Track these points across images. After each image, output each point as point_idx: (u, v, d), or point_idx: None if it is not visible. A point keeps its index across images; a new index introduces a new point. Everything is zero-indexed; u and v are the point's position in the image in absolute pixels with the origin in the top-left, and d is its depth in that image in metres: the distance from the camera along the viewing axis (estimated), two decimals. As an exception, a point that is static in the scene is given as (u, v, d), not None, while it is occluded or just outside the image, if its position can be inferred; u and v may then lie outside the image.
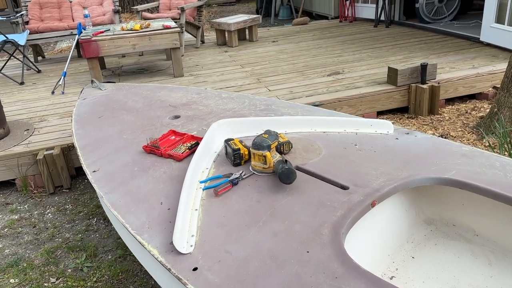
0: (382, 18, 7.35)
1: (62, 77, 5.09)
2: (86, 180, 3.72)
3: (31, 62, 6.14)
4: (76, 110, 3.01)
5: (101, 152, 2.37)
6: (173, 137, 2.40)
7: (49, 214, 3.27)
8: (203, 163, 2.06)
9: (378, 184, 1.76)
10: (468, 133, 3.85)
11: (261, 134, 1.98)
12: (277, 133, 1.99)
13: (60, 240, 2.96)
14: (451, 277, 1.76)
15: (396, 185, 1.74)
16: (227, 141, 2.08)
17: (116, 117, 2.80)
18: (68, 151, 3.61)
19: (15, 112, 4.48)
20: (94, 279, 2.56)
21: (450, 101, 4.59)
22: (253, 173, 1.95)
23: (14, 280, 2.61)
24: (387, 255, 1.89)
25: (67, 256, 2.78)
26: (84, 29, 5.40)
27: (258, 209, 1.71)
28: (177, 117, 2.69)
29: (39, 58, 6.85)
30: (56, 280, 2.59)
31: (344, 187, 1.77)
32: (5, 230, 3.13)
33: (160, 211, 1.80)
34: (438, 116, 4.31)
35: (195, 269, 1.48)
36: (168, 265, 1.51)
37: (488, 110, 4.29)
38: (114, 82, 3.62)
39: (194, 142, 2.26)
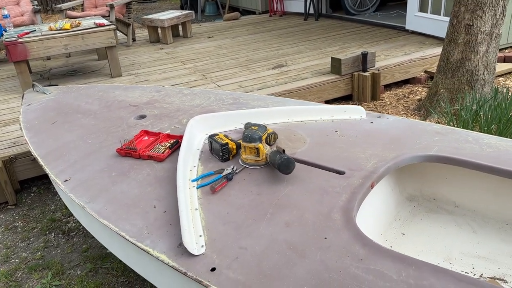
0: (311, 11, 7.58)
1: (-15, 83, 4.60)
2: (33, 194, 3.41)
3: None
4: (23, 117, 2.74)
5: (68, 160, 2.19)
6: (147, 137, 2.27)
7: (-3, 235, 2.96)
8: (190, 161, 1.98)
9: (371, 166, 1.81)
10: (411, 115, 4.11)
11: (250, 126, 1.95)
12: (265, 125, 1.97)
13: (17, 260, 2.68)
14: (443, 248, 1.87)
15: (389, 165, 1.81)
16: (211, 136, 2.02)
17: (72, 121, 2.60)
18: (11, 163, 3.28)
19: None
20: (67, 297, 2.36)
21: (387, 86, 4.86)
22: (245, 166, 1.91)
23: (-29, 311, 2.33)
24: (380, 234, 1.96)
25: (29, 277, 2.53)
26: (5, 31, 4.93)
27: (262, 201, 1.68)
28: (142, 116, 2.56)
29: None
30: (22, 304, 2.35)
31: (340, 172, 1.80)
32: None
33: (156, 215, 1.70)
34: (380, 101, 4.55)
35: (213, 269, 1.42)
36: (183, 269, 1.44)
37: (423, 93, 4.61)
38: (57, 85, 3.35)
39: (173, 141, 2.16)
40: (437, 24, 5.40)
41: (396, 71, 4.76)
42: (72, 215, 3.08)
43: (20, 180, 3.40)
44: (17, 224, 3.06)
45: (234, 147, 1.98)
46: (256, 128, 1.92)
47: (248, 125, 2.03)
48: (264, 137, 1.91)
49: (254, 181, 1.81)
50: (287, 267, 1.38)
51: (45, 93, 3.10)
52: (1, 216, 3.17)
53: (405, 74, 4.85)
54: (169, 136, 2.24)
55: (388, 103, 4.51)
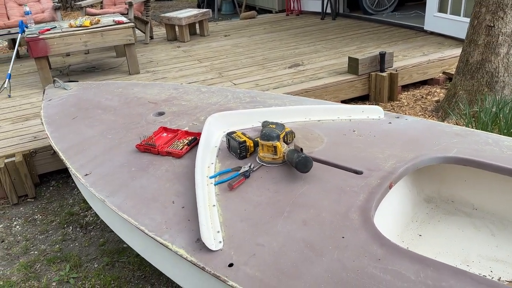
0: (328, 10, 7.55)
1: (7, 79, 4.70)
2: (51, 188, 3.47)
3: (-35, 64, 5.61)
4: (44, 112, 2.80)
5: (88, 155, 2.22)
6: (165, 134, 2.30)
7: (17, 227, 3.02)
8: (208, 158, 2.00)
9: (390, 166, 1.81)
10: (429, 117, 4.07)
11: (268, 125, 1.96)
12: (282, 123, 1.97)
13: (36, 252, 2.74)
14: (460, 250, 1.86)
15: (408, 166, 1.80)
16: (229, 134, 2.03)
17: (92, 117, 2.64)
18: (31, 157, 3.34)
19: (-42, 119, 4.07)
20: (85, 290, 2.40)
21: (405, 87, 4.82)
22: (262, 164, 1.92)
23: (-8, 300, 2.39)
24: (397, 235, 1.95)
25: (48, 269, 2.59)
26: (27, 27, 5.02)
27: (279, 200, 1.69)
28: (161, 113, 2.58)
29: (-29, 60, 6.28)
30: (41, 295, 2.40)
31: (357, 172, 1.80)
32: (-32, 248, 2.85)
33: (174, 210, 1.73)
34: (397, 102, 4.51)
35: (231, 265, 1.44)
36: (201, 264, 1.46)
37: (441, 95, 4.56)
38: (77, 81, 3.40)
39: (191, 138, 2.18)
40: (457, 24, 5.33)
41: (414, 71, 4.72)
42: (90, 209, 3.13)
43: (40, 174, 3.46)
44: (36, 217, 3.12)
45: (252, 145, 1.99)
46: (274, 126, 1.93)
47: (265, 124, 2.04)
48: (281, 136, 1.92)
49: (272, 179, 1.82)
50: (304, 265, 1.39)
51: (65, 89, 3.16)
52: (21, 208, 3.24)
53: (423, 75, 4.80)
54: (187, 133, 2.26)
55: (406, 104, 4.47)
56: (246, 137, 2.01)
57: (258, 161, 1.95)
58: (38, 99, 4.47)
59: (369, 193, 1.65)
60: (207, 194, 1.75)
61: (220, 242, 1.53)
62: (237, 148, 1.97)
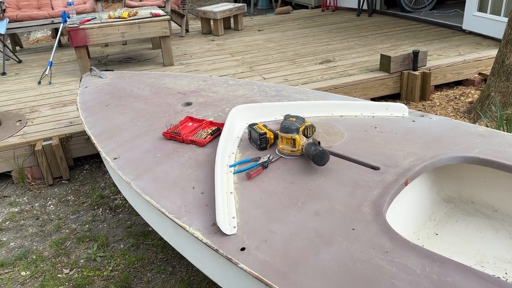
0: (365, 7, 7.46)
1: (48, 67, 4.94)
2: (85, 171, 3.64)
3: (11, 51, 5.91)
4: (80, 98, 2.94)
5: (118, 140, 2.34)
6: (191, 123, 2.39)
7: (51, 206, 3.20)
8: (229, 148, 2.06)
9: (408, 163, 1.82)
10: (461, 118, 3.99)
11: (288, 118, 2.01)
12: (303, 117, 2.01)
13: (67, 231, 2.90)
14: (476, 251, 1.85)
15: (425, 164, 1.81)
16: (251, 125, 2.09)
17: (124, 105, 2.76)
18: (66, 141, 3.52)
19: (2, 103, 4.32)
20: (110, 268, 2.53)
21: (438, 87, 4.73)
22: (281, 156, 1.97)
23: (25, 272, 2.55)
24: (413, 232, 1.96)
25: (77, 247, 2.74)
26: (69, 17, 5.24)
27: (294, 190, 1.74)
28: (189, 104, 2.67)
29: (17, 48, 6.61)
30: (70, 271, 2.55)
31: (375, 168, 1.82)
32: (7, 223, 3.04)
33: (194, 195, 1.81)
34: (429, 102, 4.44)
35: (243, 249, 1.50)
36: (215, 246, 1.53)
37: (475, 96, 4.45)
38: (113, 70, 3.54)
39: (215, 128, 2.25)
40: (496, 25, 5.17)
41: (448, 71, 4.62)
42: (120, 193, 3.27)
43: (74, 158, 3.64)
44: (69, 198, 3.29)
45: (272, 137, 2.04)
46: (294, 119, 1.97)
47: (287, 117, 2.09)
48: (301, 129, 1.96)
49: (289, 170, 1.86)
50: (313, 253, 1.44)
51: (101, 77, 3.30)
52: (56, 189, 3.42)
53: (457, 75, 4.69)
54: (211, 123, 2.34)
55: (438, 104, 4.40)
56: (267, 129, 2.06)
57: (277, 153, 2.00)
58: (76, 87, 4.67)
59: (384, 188, 1.68)
60: (225, 181, 1.82)
61: (235, 227, 1.59)
62: (258, 139, 2.02)
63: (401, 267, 1.32)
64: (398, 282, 1.28)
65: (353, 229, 1.50)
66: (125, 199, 3.19)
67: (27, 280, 2.49)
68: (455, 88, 4.76)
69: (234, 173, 1.90)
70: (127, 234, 2.82)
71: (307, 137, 2.08)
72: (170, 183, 1.91)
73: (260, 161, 1.93)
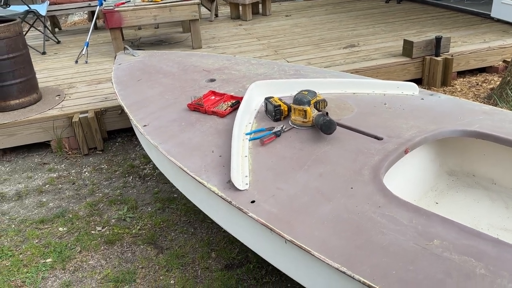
0: (393, -6, 7.44)
1: (85, 47, 5.24)
2: (117, 144, 3.92)
3: (51, 32, 6.27)
4: (114, 74, 3.19)
5: (148, 110, 2.57)
6: (213, 97, 2.59)
7: (86, 173, 3.49)
8: (246, 119, 2.26)
9: (409, 135, 1.96)
10: (480, 103, 4.04)
11: (301, 91, 2.18)
12: (315, 91, 2.18)
13: (100, 195, 3.18)
14: (471, 218, 1.99)
15: (426, 136, 1.95)
16: (267, 98, 2.27)
17: (154, 80, 2.99)
18: (101, 115, 3.80)
19: (43, 79, 4.65)
20: (138, 227, 2.79)
21: (461, 74, 4.76)
22: (293, 127, 2.15)
23: (63, 228, 2.85)
24: (413, 200, 2.11)
25: (109, 209, 3.01)
26: (105, 1, 5.52)
27: (302, 156, 1.92)
28: (212, 80, 2.88)
29: (56, 29, 6.97)
30: (102, 228, 2.82)
31: (378, 138, 1.97)
32: (46, 186, 3.35)
33: (212, 157, 2.02)
34: (450, 87, 4.49)
35: (253, 201, 1.70)
36: (229, 199, 1.73)
37: (498, 83, 4.47)
38: (144, 50, 3.78)
39: (235, 101, 2.45)
40: (525, 12, 5.12)
41: (471, 58, 4.65)
42: (149, 163, 3.53)
43: (108, 131, 3.92)
44: (103, 166, 3.58)
45: (286, 109, 2.22)
46: (306, 93, 2.14)
47: (306, 90, 2.25)
48: (312, 102, 2.13)
49: (299, 139, 2.05)
50: (313, 206, 1.62)
51: (133, 56, 3.55)
52: (90, 159, 3.71)
53: (481, 62, 4.71)
54: (232, 97, 2.54)
55: (459, 89, 4.45)
56: (282, 102, 2.24)
57: (290, 124, 2.18)
58: (110, 66, 4.96)
59: (384, 155, 1.84)
60: (241, 146, 2.02)
61: (247, 184, 1.79)
62: (273, 111, 2.21)
63: (390, 219, 1.49)
64: (386, 231, 1.46)
65: (352, 188, 1.68)
66: (153, 168, 3.45)
67: (64, 235, 2.78)
68: (478, 75, 4.78)
69: (249, 140, 2.09)
70: (154, 199, 3.08)
71: (319, 110, 2.24)
72: (192, 147, 2.13)
73: (274, 130, 2.11)
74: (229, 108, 2.39)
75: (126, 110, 2.61)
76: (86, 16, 8.64)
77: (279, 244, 1.61)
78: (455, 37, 5.08)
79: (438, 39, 4.40)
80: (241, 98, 2.48)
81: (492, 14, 5.70)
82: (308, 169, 1.83)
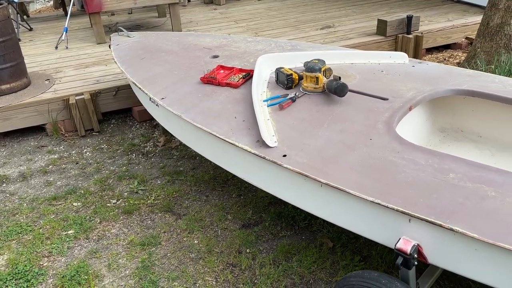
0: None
1: (64, 32, 5.22)
2: (112, 125, 4.00)
3: (23, 19, 6.14)
4: (115, 54, 3.28)
5: (160, 85, 2.71)
6: (222, 71, 2.76)
7: (88, 153, 3.57)
8: (260, 87, 2.45)
9: (411, 95, 2.23)
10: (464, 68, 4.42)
11: (312, 60, 2.40)
12: (324, 60, 2.40)
13: (107, 172, 3.29)
14: (464, 166, 2.29)
15: (425, 95, 2.23)
16: (278, 69, 2.48)
17: (158, 58, 3.11)
18: (96, 96, 3.87)
19: (26, 65, 4.61)
20: (152, 198, 2.94)
21: (429, 50, 5.15)
22: (305, 93, 2.37)
23: (77, 203, 2.94)
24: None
25: (119, 184, 3.13)
26: (81, -15, 5.48)
27: (319, 116, 2.15)
28: (216, 56, 3.04)
29: (24, 17, 6.81)
30: (117, 201, 2.94)
31: (384, 99, 2.23)
32: (50, 167, 3.41)
33: (236, 122, 2.20)
34: (420, 63, 4.85)
35: (284, 155, 1.92)
36: (262, 155, 1.94)
37: (462, 58, 4.88)
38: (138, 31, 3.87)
39: (245, 73, 2.64)
40: (483, -7, 5.57)
41: (438, 35, 5.03)
42: (149, 141, 3.65)
43: (102, 112, 3.99)
44: (103, 146, 3.66)
45: (297, 77, 2.43)
46: (317, 61, 2.37)
47: (307, 62, 2.47)
48: (323, 69, 2.36)
49: (314, 103, 2.27)
50: (341, 156, 1.86)
51: (129, 37, 3.63)
52: (88, 140, 3.78)
53: (446, 39, 5.11)
54: (241, 70, 2.72)
55: (428, 65, 4.81)
56: (292, 71, 2.45)
57: (302, 91, 2.40)
58: (93, 51, 4.97)
59: (393, 111, 2.09)
60: (262, 111, 2.22)
61: (275, 142, 2.00)
62: (285, 79, 2.41)
63: (409, 160, 1.75)
64: (408, 170, 1.71)
65: (371, 139, 1.92)
66: (154, 145, 3.58)
67: (80, 209, 2.89)
68: (444, 51, 5.18)
69: (268, 106, 2.30)
70: (161, 173, 3.22)
71: (326, 77, 2.47)
72: (214, 115, 2.30)
73: (289, 96, 2.32)
74: (241, 79, 2.58)
75: (139, 85, 2.74)
76: (51, 3, 8.43)
77: (315, 189, 1.84)
78: (421, 16, 5.45)
79: (409, 18, 4.74)
80: (251, 70, 2.66)
81: (452, -4, 6.14)
82: (328, 127, 2.06)
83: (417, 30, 4.88)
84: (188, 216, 2.74)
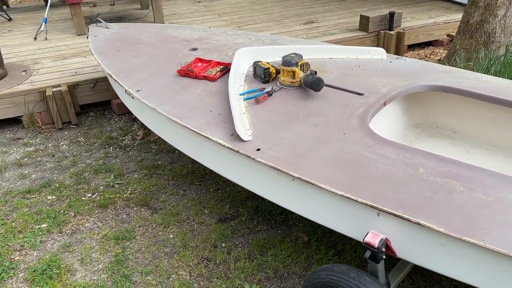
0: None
1: (44, 23, 5.12)
2: (90, 118, 3.95)
3: (3, 10, 6.01)
4: (93, 45, 3.23)
5: (136, 77, 2.67)
6: (200, 64, 2.73)
7: (64, 146, 3.51)
8: (237, 81, 2.44)
9: (386, 90, 2.24)
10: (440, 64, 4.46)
11: (289, 54, 2.39)
12: (301, 54, 2.39)
13: (83, 165, 3.24)
14: (438, 161, 2.31)
15: (400, 90, 2.23)
16: (256, 63, 2.46)
17: (136, 49, 3.07)
18: (74, 89, 3.80)
19: (3, 56, 4.51)
20: (128, 192, 2.90)
21: (411, 47, 5.18)
22: (282, 87, 2.36)
23: (51, 197, 2.90)
24: (388, 149, 2.40)
25: (95, 177, 3.09)
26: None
27: (295, 110, 2.14)
28: (194, 49, 3.01)
29: (4, 7, 6.66)
30: (92, 194, 2.90)
31: (359, 94, 2.23)
32: (25, 159, 3.35)
33: (212, 116, 2.19)
34: (402, 59, 4.88)
35: (258, 149, 1.91)
36: (236, 148, 1.92)
37: (443, 55, 4.92)
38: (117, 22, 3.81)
39: (223, 66, 2.61)
40: (465, -10, 5.61)
41: (420, 32, 5.06)
42: (127, 134, 3.61)
43: (80, 105, 3.93)
44: (80, 139, 3.61)
45: (274, 71, 2.42)
46: (294, 55, 2.35)
47: (285, 56, 2.46)
48: (300, 63, 2.35)
49: (290, 97, 2.26)
50: (314, 150, 1.85)
51: (107, 28, 3.58)
52: (65, 132, 3.72)
53: (428, 36, 5.15)
54: (219, 63, 2.70)
55: (410, 62, 4.84)
56: (270, 65, 2.44)
57: (279, 85, 2.38)
58: (73, 42, 4.89)
59: (367, 107, 2.10)
60: (238, 105, 2.20)
61: (250, 135, 1.99)
62: (262, 73, 2.40)
63: (380, 155, 1.76)
64: (378, 164, 1.72)
65: (344, 134, 1.92)
66: (133, 139, 3.53)
67: (55, 202, 2.84)
68: (426, 48, 5.22)
69: (244, 100, 2.28)
70: (139, 167, 3.18)
71: (303, 72, 2.46)
72: (190, 108, 2.28)
73: (266, 90, 2.31)
74: (219, 72, 2.56)
75: (115, 77, 2.69)
76: (32, -7, 8.26)
77: (287, 183, 1.83)
78: (404, 13, 5.47)
79: (391, 14, 4.76)
80: (228, 64, 2.64)
81: (435, -7, 6.18)
82: (303, 121, 2.05)
83: (399, 26, 4.90)
84: (164, 210, 2.72)
